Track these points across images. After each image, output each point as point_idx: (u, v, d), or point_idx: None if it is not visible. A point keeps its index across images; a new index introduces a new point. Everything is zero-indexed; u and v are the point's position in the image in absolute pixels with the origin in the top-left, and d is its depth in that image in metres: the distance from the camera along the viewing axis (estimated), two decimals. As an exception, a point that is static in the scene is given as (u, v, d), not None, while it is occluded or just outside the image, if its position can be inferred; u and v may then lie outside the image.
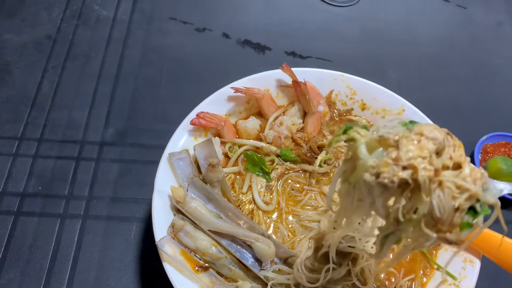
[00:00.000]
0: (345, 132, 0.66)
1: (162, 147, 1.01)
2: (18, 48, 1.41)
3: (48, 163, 1.19)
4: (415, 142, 0.61)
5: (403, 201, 0.63)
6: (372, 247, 0.93)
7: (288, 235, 0.98)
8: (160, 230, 0.90)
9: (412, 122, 0.65)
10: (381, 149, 0.62)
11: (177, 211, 0.95)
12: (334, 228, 0.80)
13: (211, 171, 0.97)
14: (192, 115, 1.05)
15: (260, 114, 1.14)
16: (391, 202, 0.65)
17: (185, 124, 1.04)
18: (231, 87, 1.08)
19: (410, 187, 0.61)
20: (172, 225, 0.91)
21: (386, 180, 0.60)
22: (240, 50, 1.47)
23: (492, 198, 0.62)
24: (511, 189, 0.67)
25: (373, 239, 0.93)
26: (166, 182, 0.97)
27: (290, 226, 0.99)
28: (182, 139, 1.04)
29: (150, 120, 1.28)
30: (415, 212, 0.62)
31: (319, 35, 1.53)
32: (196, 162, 1.02)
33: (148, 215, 1.12)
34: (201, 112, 1.04)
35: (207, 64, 1.41)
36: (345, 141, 0.66)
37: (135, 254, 1.07)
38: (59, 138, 1.24)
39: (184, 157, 1.00)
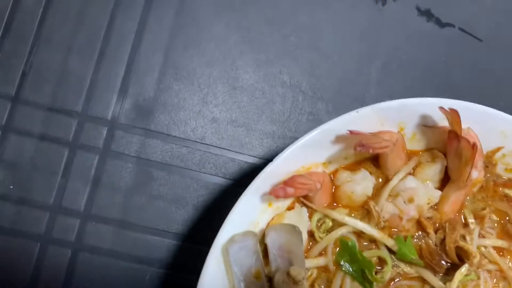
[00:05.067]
0: None
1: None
2: None
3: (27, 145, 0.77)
4: None
5: None
6: None
7: None
8: None
9: None
10: None
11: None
12: None
13: (290, 286, 0.58)
14: (270, 169, 0.60)
15: (375, 160, 0.70)
16: None
17: (256, 188, 0.60)
18: (349, 131, 0.61)
19: None
20: None
21: None
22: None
23: None
24: None
25: None
26: (212, 283, 0.59)
27: None
28: (247, 208, 0.61)
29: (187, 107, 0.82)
30: None
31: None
32: (263, 246, 0.62)
33: (172, 260, 0.76)
34: (293, 178, 0.59)
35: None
36: None
37: (146, 322, 0.74)
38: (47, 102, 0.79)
39: (248, 245, 0.60)
